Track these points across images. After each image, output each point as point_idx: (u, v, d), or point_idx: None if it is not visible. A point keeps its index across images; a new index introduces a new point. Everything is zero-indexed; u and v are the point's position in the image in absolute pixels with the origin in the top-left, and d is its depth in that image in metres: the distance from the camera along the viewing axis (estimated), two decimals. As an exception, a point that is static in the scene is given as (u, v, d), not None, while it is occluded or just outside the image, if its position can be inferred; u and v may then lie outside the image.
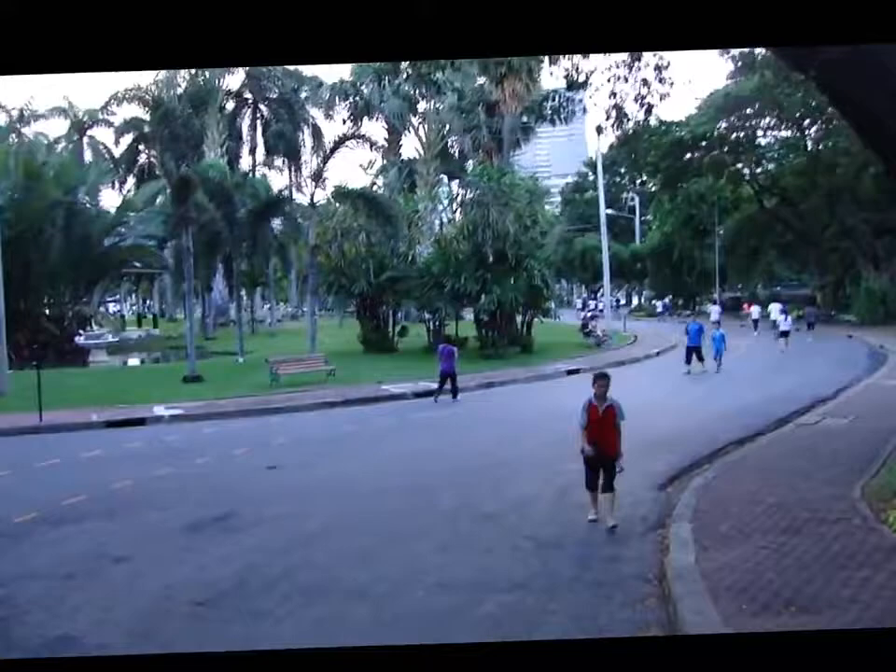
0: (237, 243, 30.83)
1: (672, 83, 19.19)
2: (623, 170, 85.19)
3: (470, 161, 52.44)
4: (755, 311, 46.58)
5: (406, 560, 8.40)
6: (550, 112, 43.22)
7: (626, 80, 19.11)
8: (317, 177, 28.69)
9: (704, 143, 52.27)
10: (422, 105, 56.71)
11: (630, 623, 6.67)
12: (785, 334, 34.40)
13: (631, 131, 19.71)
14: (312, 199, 29.44)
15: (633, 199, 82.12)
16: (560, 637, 6.38)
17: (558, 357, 31.08)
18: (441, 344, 23.22)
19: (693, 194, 60.29)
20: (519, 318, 33.84)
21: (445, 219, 36.06)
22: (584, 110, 20.29)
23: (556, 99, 42.53)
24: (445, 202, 38.36)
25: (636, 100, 19.07)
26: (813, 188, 48.11)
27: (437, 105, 53.54)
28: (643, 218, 79.17)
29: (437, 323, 34.24)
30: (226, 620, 6.96)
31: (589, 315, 43.52)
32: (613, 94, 19.23)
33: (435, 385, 22.43)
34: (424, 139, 55.44)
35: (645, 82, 19.09)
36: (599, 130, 19.08)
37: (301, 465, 13.70)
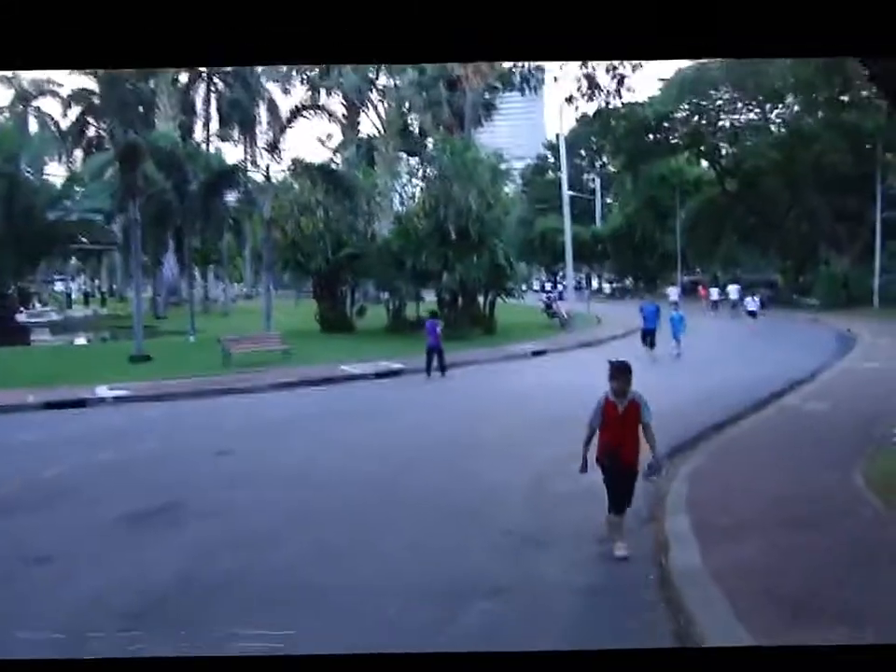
0: (188, 216, 29.39)
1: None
2: (583, 151, 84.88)
3: (430, 140, 51.30)
4: (714, 292, 48.07)
5: (374, 561, 7.39)
6: (519, 80, 41.94)
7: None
8: (273, 147, 27.37)
9: (666, 124, 51.75)
10: (381, 80, 55.49)
11: (636, 635, 5.78)
12: (752, 314, 36.87)
13: (603, 103, 18.83)
14: (267, 170, 28.16)
15: (594, 180, 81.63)
16: (555, 649, 5.38)
17: (522, 339, 30.25)
18: (428, 320, 22.42)
19: (655, 176, 59.89)
20: (481, 299, 32.93)
21: (406, 195, 34.81)
22: (555, 79, 19.36)
23: (526, 66, 41.29)
24: (406, 177, 37.07)
25: (607, 70, 18.29)
26: (788, 163, 47.62)
27: (396, 82, 52.29)
28: (604, 200, 78.66)
29: (397, 302, 33.14)
30: (164, 633, 5.92)
31: (554, 295, 42.92)
32: (584, 64, 18.41)
33: (397, 366, 22.18)
34: (383, 116, 54.18)
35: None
36: (570, 100, 18.13)
37: (254, 450, 12.63)
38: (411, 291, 31.81)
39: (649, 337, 24.36)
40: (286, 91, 54.31)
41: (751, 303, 37.75)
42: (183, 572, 7.11)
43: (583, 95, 18.21)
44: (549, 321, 37.71)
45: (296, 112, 28.24)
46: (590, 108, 19.79)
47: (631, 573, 7.08)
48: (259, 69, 56.00)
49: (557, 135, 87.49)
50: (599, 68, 17.83)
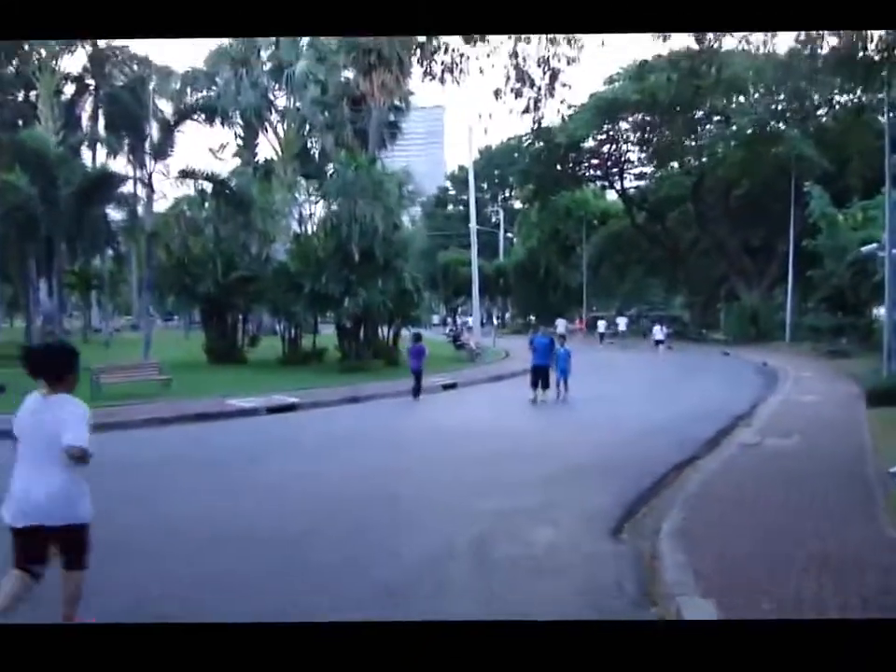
0: (58, 228, 25.77)
1: (582, 46, 16.58)
2: (485, 185, 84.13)
3: (332, 164, 48.86)
4: (601, 325, 50.34)
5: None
6: (441, 68, 39.69)
7: (528, 41, 16.36)
8: (159, 152, 24.33)
9: (573, 154, 50.76)
10: (281, 101, 53.06)
11: None
12: (659, 342, 39.81)
13: (532, 100, 16.75)
14: (150, 179, 25.01)
15: (497, 213, 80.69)
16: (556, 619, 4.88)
17: (430, 371, 27.80)
18: (412, 344, 22.42)
19: (561, 208, 58.89)
20: (384, 329, 30.57)
21: (306, 213, 32.01)
22: (480, 70, 17.22)
23: (447, 51, 39.07)
24: (305, 195, 34.26)
25: (539, 63, 16.33)
26: (699, 192, 46.94)
27: (297, 104, 49.83)
28: (507, 234, 77.57)
29: (293, 331, 30.32)
30: None
31: (463, 326, 41.07)
32: (514, 54, 16.46)
33: (292, 400, 19.61)
34: (282, 136, 51.58)
35: (552, 41, 16.36)
36: (497, 94, 16.05)
37: (108, 503, 9.67)
38: (308, 317, 29.11)
39: (539, 376, 20.34)
40: (179, 111, 51.40)
41: (659, 332, 40.36)
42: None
43: (512, 90, 16.15)
44: (455, 353, 35.56)
45: (185, 113, 25.38)
46: (518, 105, 17.41)
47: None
48: (152, 85, 52.92)
49: (460, 167, 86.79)
50: (530, 60, 15.83)
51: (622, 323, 49.99)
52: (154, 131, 34.96)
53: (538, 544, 7.90)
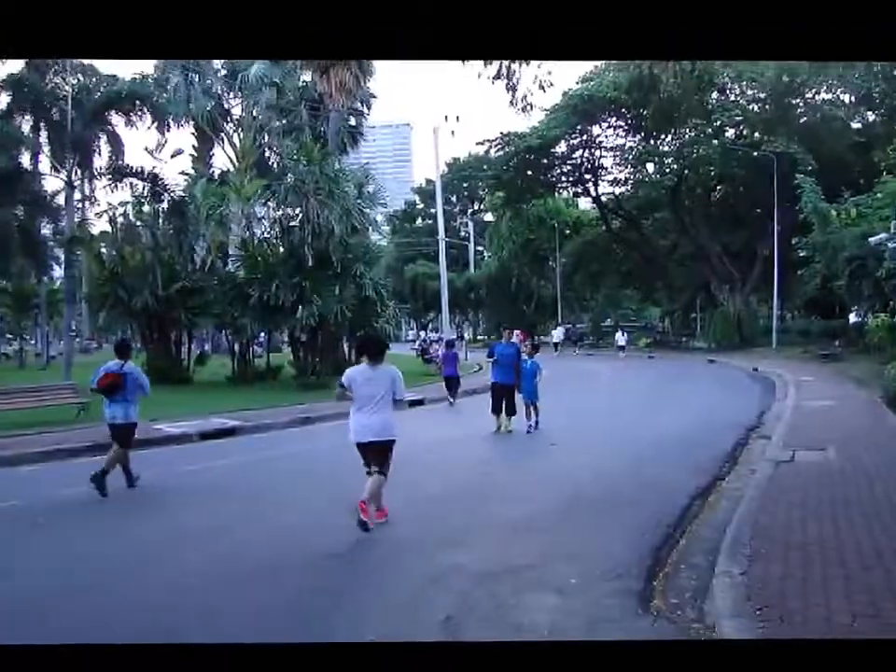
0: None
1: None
2: (454, 198, 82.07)
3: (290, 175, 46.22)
4: (555, 334, 52.02)
5: None
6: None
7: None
8: (79, 143, 21.50)
9: (545, 159, 48.56)
10: (236, 110, 50.35)
11: None
12: (622, 348, 43.74)
13: (505, 66, 14.32)
14: (69, 176, 22.11)
15: (466, 225, 78.58)
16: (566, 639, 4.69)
17: (395, 388, 25.19)
18: (446, 351, 23.03)
19: (533, 217, 56.72)
20: (345, 342, 27.87)
21: (258, 215, 28.85)
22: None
23: None
24: (256, 197, 31.26)
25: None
26: (678, 196, 44.87)
27: (253, 111, 47.23)
28: (477, 247, 75.32)
29: (243, 345, 27.36)
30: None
31: (433, 338, 38.62)
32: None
33: (232, 423, 17.14)
34: (238, 146, 48.86)
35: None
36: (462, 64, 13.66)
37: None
38: (256, 330, 26.34)
39: (504, 397, 15.76)
40: (129, 123, 48.56)
41: (621, 339, 44.62)
42: None
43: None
44: (423, 368, 32.90)
45: (112, 100, 22.65)
46: (488, 72, 14.90)
47: None
48: (97, 96, 49.96)
49: (427, 180, 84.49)
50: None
51: (559, 334, 51.33)
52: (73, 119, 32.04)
53: (538, 628, 5.24)
